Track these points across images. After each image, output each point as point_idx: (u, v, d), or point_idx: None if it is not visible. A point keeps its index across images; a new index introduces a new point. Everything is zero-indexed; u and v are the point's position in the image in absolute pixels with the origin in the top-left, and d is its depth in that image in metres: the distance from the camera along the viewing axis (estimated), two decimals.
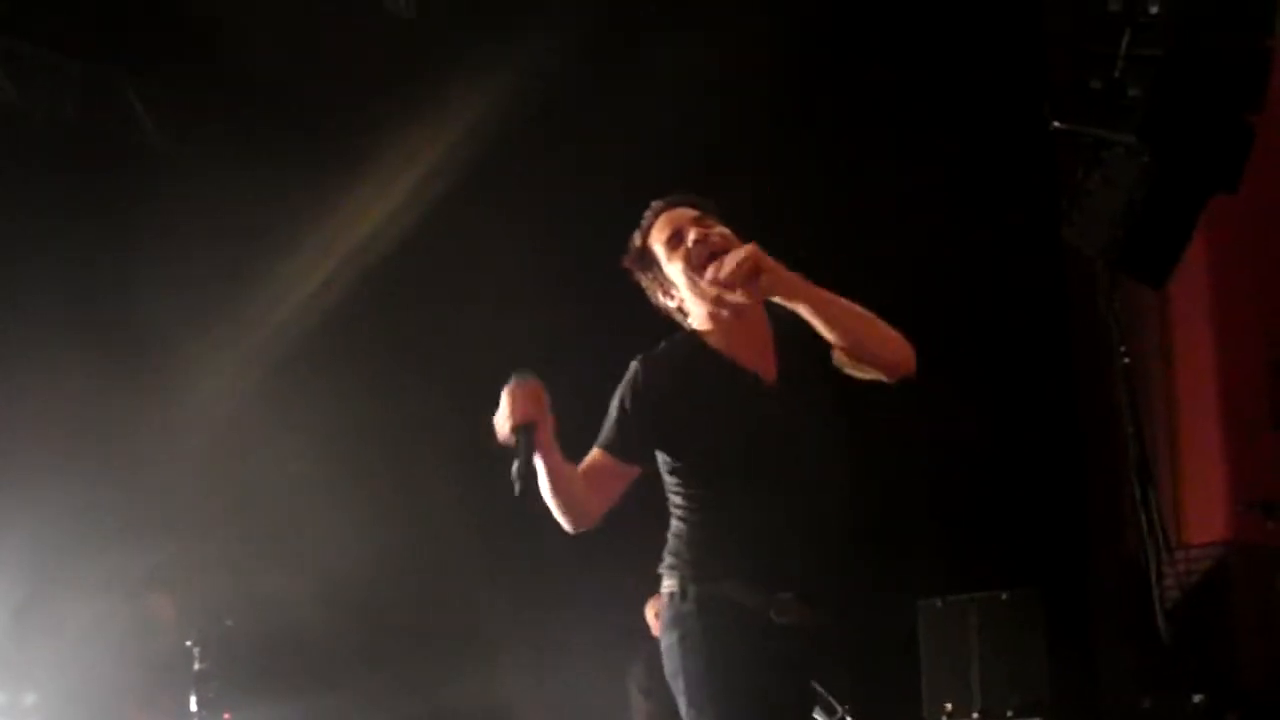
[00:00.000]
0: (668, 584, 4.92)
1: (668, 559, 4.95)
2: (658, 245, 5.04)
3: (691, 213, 5.04)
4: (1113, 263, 7.97)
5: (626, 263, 5.15)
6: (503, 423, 4.79)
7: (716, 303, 4.89)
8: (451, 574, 9.93)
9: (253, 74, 9.45)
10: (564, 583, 9.93)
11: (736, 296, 4.79)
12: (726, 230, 5.00)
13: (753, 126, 10.56)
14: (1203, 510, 10.71)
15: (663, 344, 5.06)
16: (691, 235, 4.96)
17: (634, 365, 4.99)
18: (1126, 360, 8.28)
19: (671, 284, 5.04)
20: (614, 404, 4.97)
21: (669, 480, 4.99)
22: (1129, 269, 8.09)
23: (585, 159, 10.11)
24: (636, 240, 5.12)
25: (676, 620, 4.86)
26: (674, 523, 4.98)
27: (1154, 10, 7.33)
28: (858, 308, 4.92)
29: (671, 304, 5.08)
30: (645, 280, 5.11)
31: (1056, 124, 7.82)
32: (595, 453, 4.94)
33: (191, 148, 9.81)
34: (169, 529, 9.21)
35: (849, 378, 5.07)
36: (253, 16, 9.12)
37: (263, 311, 9.80)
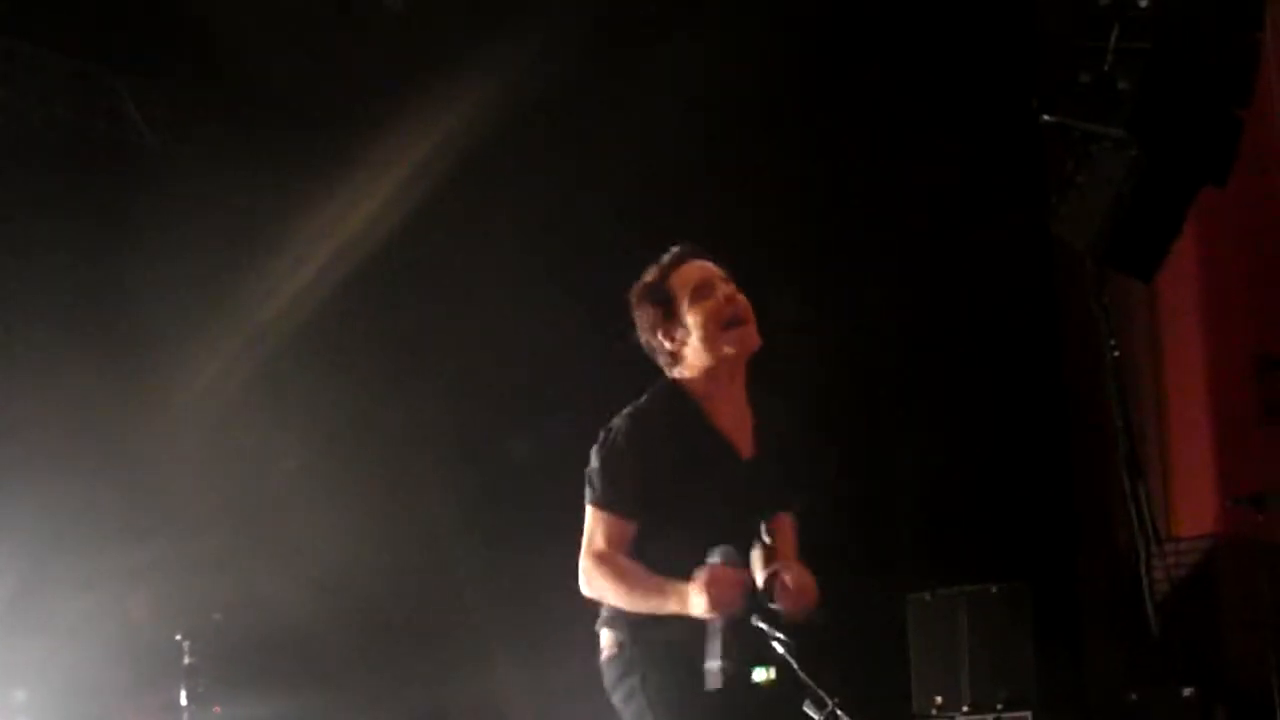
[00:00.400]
0: (611, 636, 4.98)
1: (608, 613, 4.99)
2: (681, 289, 5.08)
3: (719, 270, 5.13)
4: (1101, 257, 7.98)
5: (635, 293, 5.16)
6: (701, 606, 4.72)
7: (724, 361, 5.01)
8: (446, 571, 9.94)
9: (246, 72, 9.44)
10: (561, 583, 9.92)
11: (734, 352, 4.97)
12: (742, 298, 5.11)
13: (742, 125, 10.54)
14: (1192, 503, 10.72)
15: (646, 397, 5.12)
16: (724, 291, 5.05)
17: (624, 423, 5.03)
18: (1116, 354, 8.29)
19: (680, 328, 5.08)
20: (602, 461, 4.99)
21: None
22: (1118, 263, 8.09)
23: (582, 158, 10.10)
24: (653, 276, 5.16)
25: (628, 670, 4.95)
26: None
27: (1143, 4, 7.33)
28: None
29: (668, 345, 5.12)
30: (646, 315, 5.14)
31: (1045, 117, 7.82)
32: (604, 516, 4.94)
33: (185, 147, 9.80)
34: (162, 525, 9.22)
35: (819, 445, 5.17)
36: (247, 15, 9.11)
37: (258, 310, 9.79)
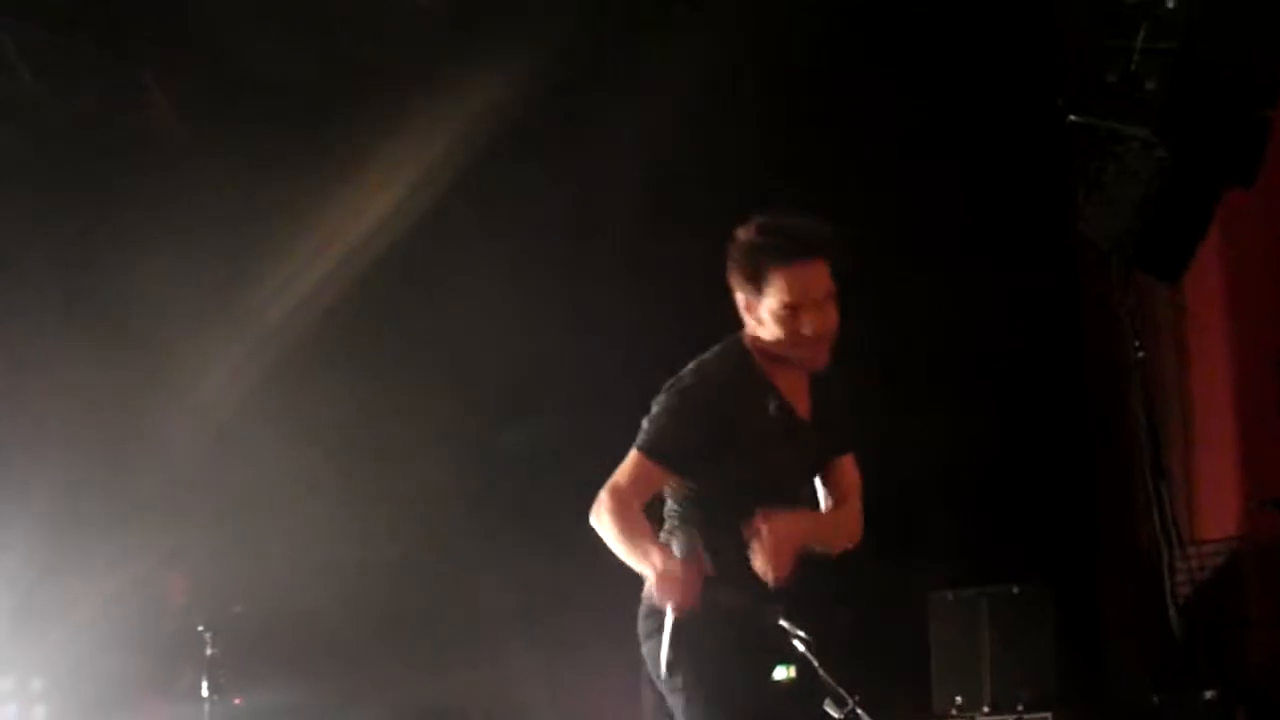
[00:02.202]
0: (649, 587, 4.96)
1: None
2: (775, 284, 5.00)
3: (826, 285, 5.02)
4: (1127, 257, 7.97)
5: (741, 243, 5.09)
6: (660, 597, 4.76)
7: (790, 351, 4.99)
8: (462, 561, 9.96)
9: (260, 67, 9.45)
10: (572, 569, 9.93)
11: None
12: (833, 317, 5.04)
13: (761, 123, 10.53)
14: (1215, 505, 10.68)
15: (716, 353, 5.11)
16: (809, 326, 4.98)
17: (691, 379, 5.04)
18: (1140, 355, 8.28)
19: (758, 309, 5.04)
20: (666, 412, 4.98)
21: (677, 490, 5.03)
22: (1143, 263, 8.08)
23: (587, 156, 10.09)
24: (753, 261, 5.06)
25: (679, 619, 4.89)
26: (677, 524, 5.02)
27: (1170, 4, 7.31)
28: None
29: (742, 307, 5.09)
30: (736, 268, 5.08)
31: (1072, 117, 7.81)
32: (647, 463, 4.94)
33: (206, 137, 9.82)
34: (179, 514, 9.24)
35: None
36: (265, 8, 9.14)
37: (276, 299, 9.81)
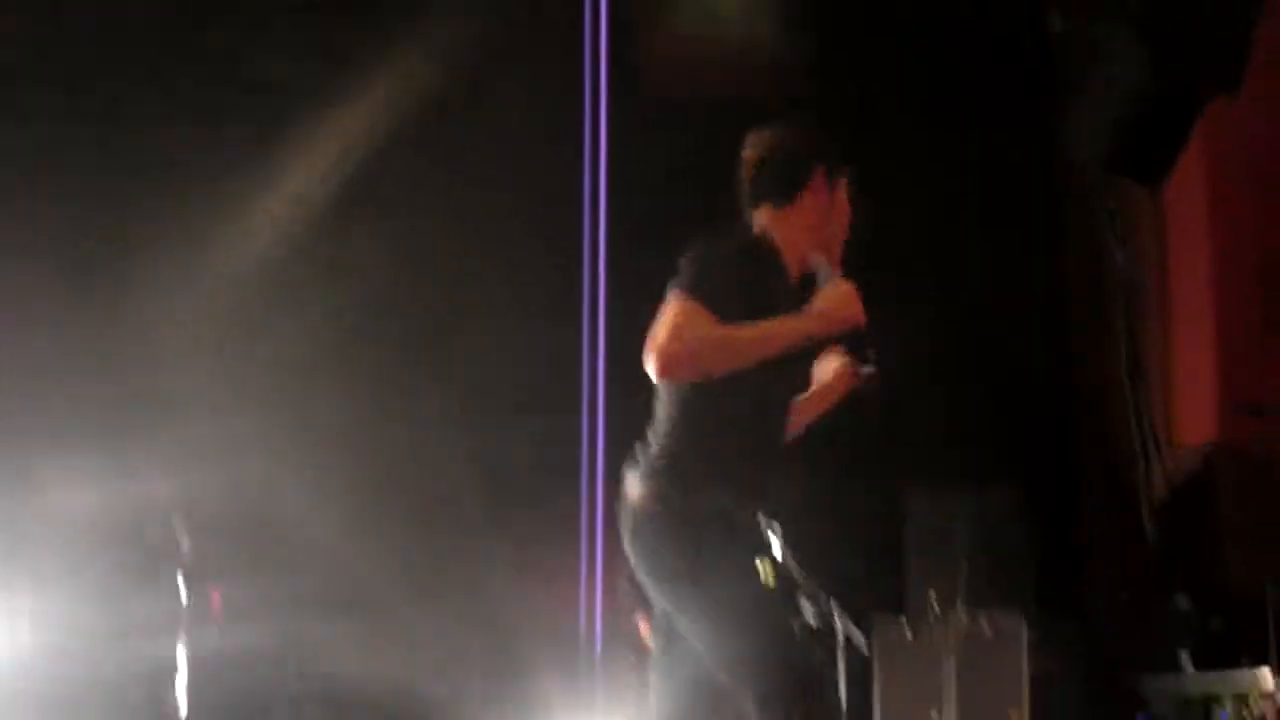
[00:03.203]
0: (653, 489, 4.97)
1: (653, 461, 5.00)
2: (812, 200, 5.19)
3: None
4: (1109, 163, 7.96)
5: (788, 142, 5.25)
6: (846, 304, 4.96)
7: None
8: (436, 458, 9.97)
9: None
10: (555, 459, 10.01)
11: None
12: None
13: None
14: (1193, 411, 10.73)
15: (732, 227, 5.14)
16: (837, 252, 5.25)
17: (718, 236, 5.07)
18: (1121, 259, 8.29)
19: (809, 193, 5.16)
20: (706, 260, 4.96)
21: (679, 388, 5.03)
22: (1125, 169, 8.08)
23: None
24: (818, 166, 5.24)
25: (666, 524, 4.97)
26: (663, 429, 5.03)
27: None
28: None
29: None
30: (770, 173, 5.17)
31: (1057, 24, 7.79)
32: (692, 304, 4.83)
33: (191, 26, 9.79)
34: (160, 416, 9.24)
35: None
36: None
37: (259, 203, 9.79)
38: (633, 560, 5.06)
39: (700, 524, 4.90)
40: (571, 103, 10.22)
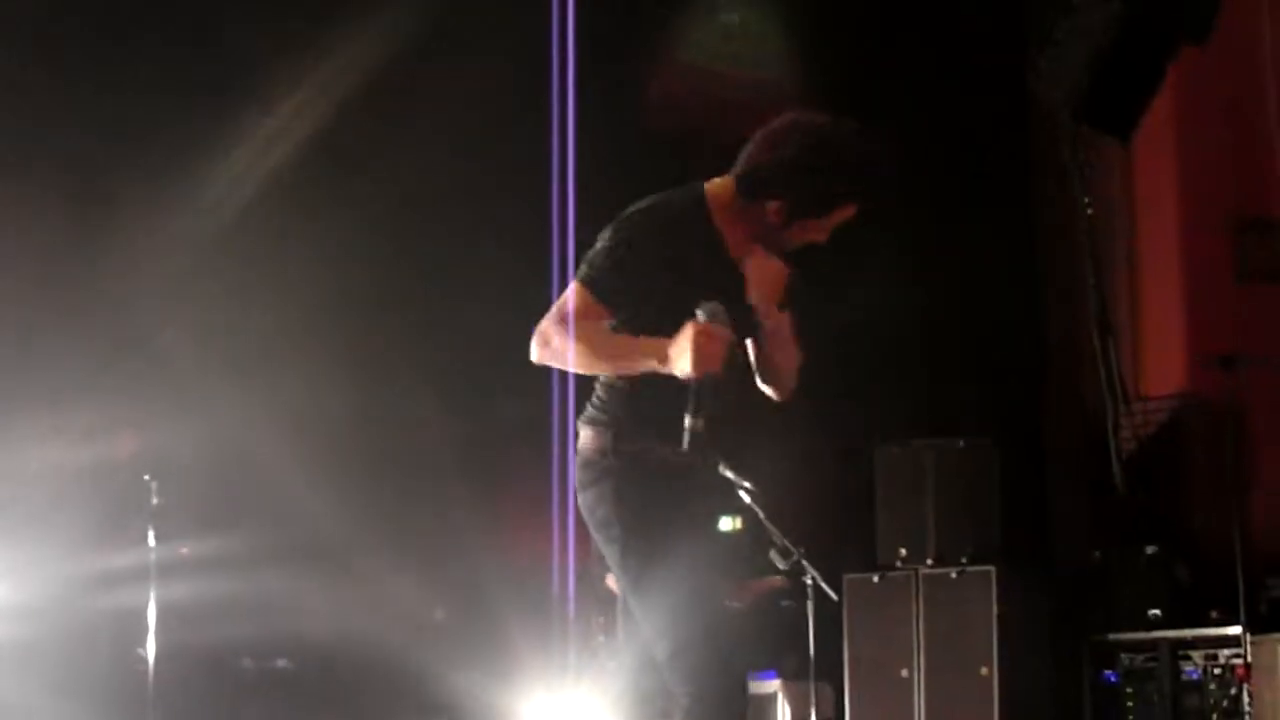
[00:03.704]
0: (593, 436, 4.99)
1: (598, 413, 5.02)
2: (838, 216, 5.12)
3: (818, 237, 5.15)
4: (1078, 114, 7.93)
5: (800, 132, 5.07)
6: (683, 363, 4.73)
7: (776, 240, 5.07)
8: (409, 413, 9.96)
9: None
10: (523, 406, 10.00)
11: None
12: None
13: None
14: (1161, 362, 10.75)
15: (672, 195, 5.07)
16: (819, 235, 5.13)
17: (641, 218, 4.99)
18: (1090, 211, 8.27)
19: (758, 206, 5.04)
20: (612, 246, 4.94)
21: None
22: (1095, 120, 8.04)
23: None
24: (832, 197, 5.10)
25: (602, 476, 4.96)
26: (608, 380, 5.03)
27: None
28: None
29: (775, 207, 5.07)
30: (772, 149, 5.05)
31: None
32: (589, 297, 4.88)
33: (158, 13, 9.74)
34: (130, 371, 9.21)
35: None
36: None
37: (232, 159, 9.73)
38: (581, 508, 5.08)
39: (635, 473, 4.92)
40: (543, 80, 10.20)
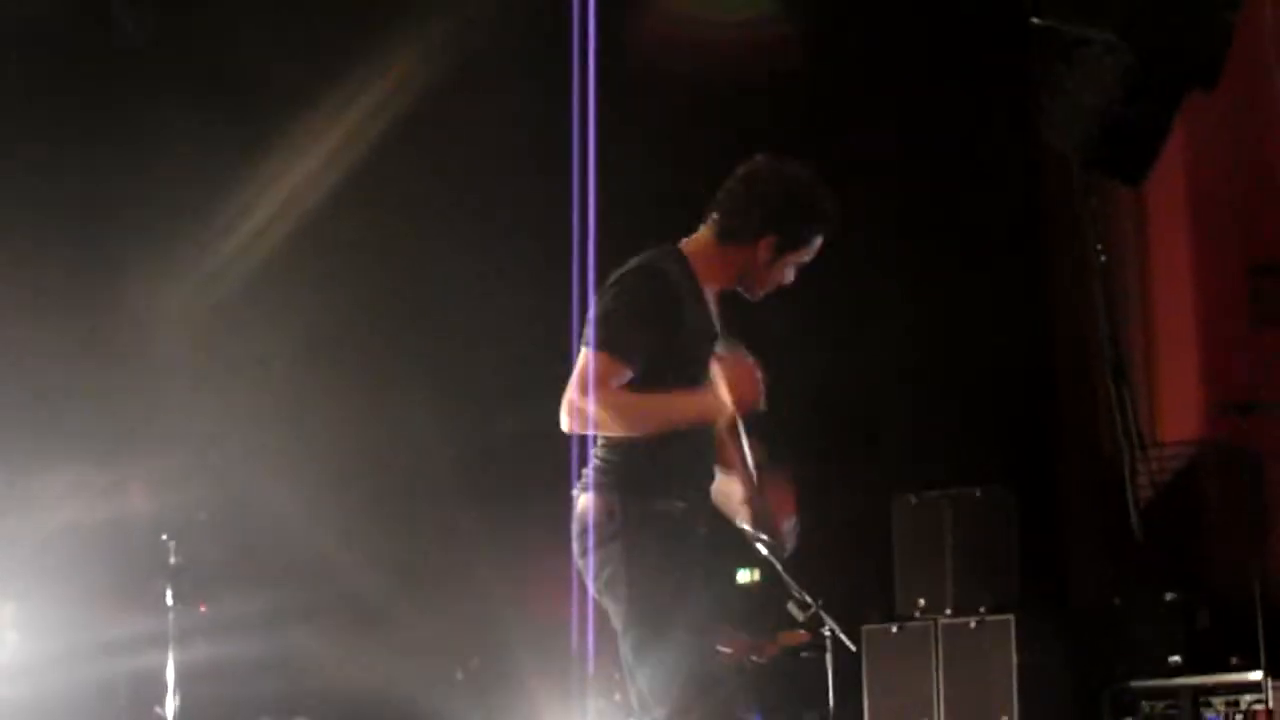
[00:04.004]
0: (599, 501, 5.03)
1: (602, 476, 5.04)
2: (809, 249, 5.26)
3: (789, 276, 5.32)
4: (1090, 161, 7.94)
5: (792, 203, 5.23)
6: (726, 401, 4.94)
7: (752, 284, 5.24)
8: (426, 471, 9.96)
9: None
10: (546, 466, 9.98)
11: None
12: None
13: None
14: (1177, 409, 10.73)
15: (651, 256, 5.15)
16: (789, 276, 5.28)
17: (636, 275, 5.09)
18: (1103, 258, 8.28)
19: (768, 251, 5.17)
20: (620, 308, 5.01)
21: None
22: (1105, 167, 8.05)
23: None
24: (809, 227, 5.25)
25: (617, 534, 4.99)
26: (610, 441, 5.05)
27: None
28: None
29: (755, 240, 5.18)
30: (787, 223, 5.18)
31: (1035, 20, 7.77)
32: (611, 361, 4.94)
33: (175, 45, 9.75)
34: (147, 428, 9.23)
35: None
36: None
37: (248, 214, 9.76)
38: (585, 572, 5.08)
39: (644, 535, 4.94)
40: (560, 91, 10.22)
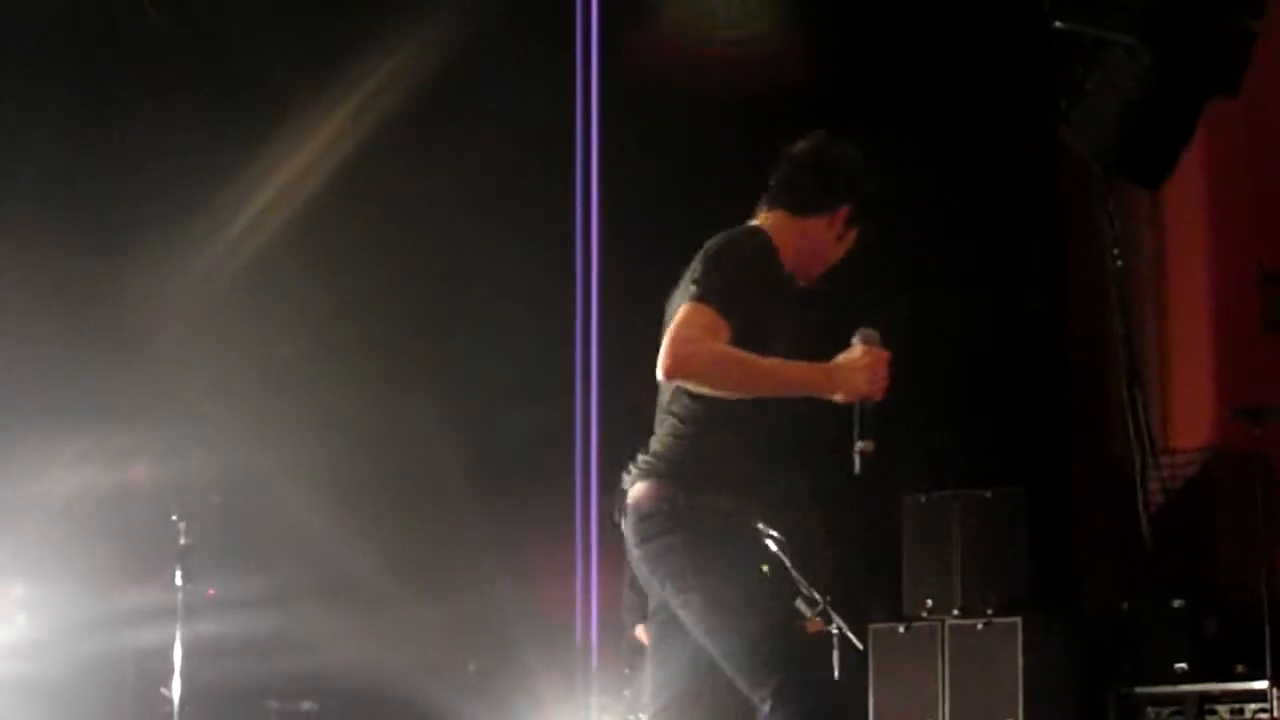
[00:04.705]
0: (656, 489, 4.95)
1: (656, 463, 4.98)
2: (826, 226, 5.21)
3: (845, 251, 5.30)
4: (1108, 165, 7.93)
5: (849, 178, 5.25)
6: (850, 386, 4.86)
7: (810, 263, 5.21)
8: (431, 453, 9.96)
9: None
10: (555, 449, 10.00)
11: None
12: None
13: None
14: (1190, 415, 10.73)
15: (741, 230, 5.13)
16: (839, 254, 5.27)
17: (745, 240, 5.05)
18: (1119, 263, 8.27)
19: (836, 227, 5.19)
20: (726, 265, 4.94)
21: (683, 392, 5.01)
22: (1125, 171, 8.04)
23: None
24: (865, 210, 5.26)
25: (671, 528, 4.91)
26: (678, 429, 5.00)
27: None
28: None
29: (827, 220, 5.20)
30: (829, 187, 5.20)
31: (1056, 24, 7.76)
32: (715, 316, 4.82)
33: (191, 25, 9.77)
34: (157, 408, 9.24)
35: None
36: None
37: (257, 192, 9.77)
38: (639, 561, 5.03)
39: (706, 522, 4.90)
40: (564, 94, 10.24)
